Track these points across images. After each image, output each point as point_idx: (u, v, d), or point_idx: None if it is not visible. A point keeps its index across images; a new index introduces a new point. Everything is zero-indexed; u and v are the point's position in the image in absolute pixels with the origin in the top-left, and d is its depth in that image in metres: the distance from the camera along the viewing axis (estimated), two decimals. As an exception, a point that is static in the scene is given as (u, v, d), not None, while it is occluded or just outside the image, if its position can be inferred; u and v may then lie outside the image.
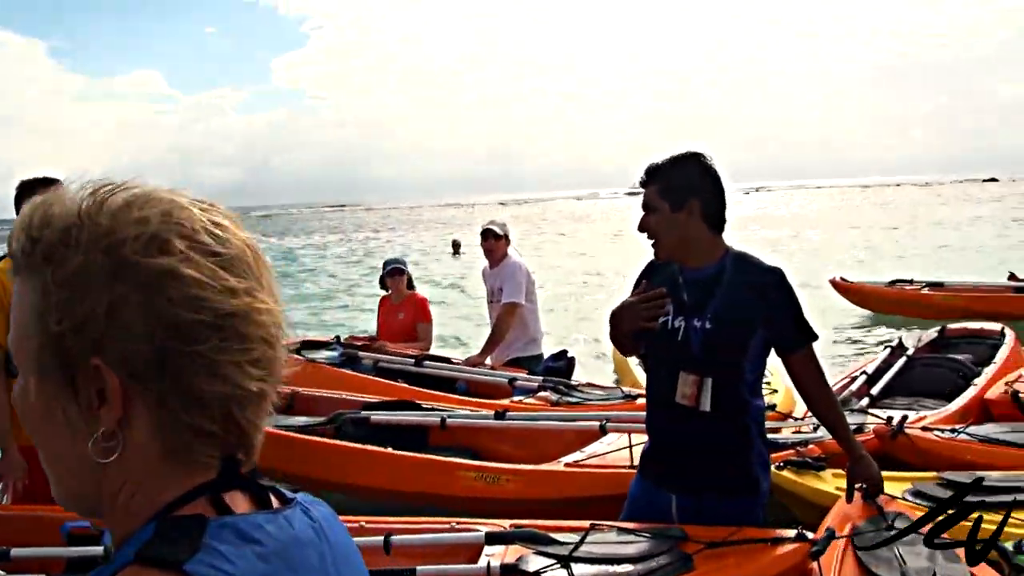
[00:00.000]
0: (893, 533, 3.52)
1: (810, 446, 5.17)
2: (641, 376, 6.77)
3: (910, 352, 7.91)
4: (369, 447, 5.78)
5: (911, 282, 14.34)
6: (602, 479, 5.02)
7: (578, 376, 8.23)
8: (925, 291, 13.88)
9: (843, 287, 14.70)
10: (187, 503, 0.95)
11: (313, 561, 1.02)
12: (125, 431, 0.95)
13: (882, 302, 14.27)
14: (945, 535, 3.17)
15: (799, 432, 5.59)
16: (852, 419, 5.70)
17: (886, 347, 8.18)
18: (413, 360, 7.90)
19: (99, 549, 3.90)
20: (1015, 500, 3.99)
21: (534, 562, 3.59)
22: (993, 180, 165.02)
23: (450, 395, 7.26)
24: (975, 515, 3.23)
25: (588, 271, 26.52)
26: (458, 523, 4.10)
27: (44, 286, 0.94)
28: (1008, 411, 6.21)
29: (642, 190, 3.57)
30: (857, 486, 3.79)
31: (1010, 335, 8.39)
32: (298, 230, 77.47)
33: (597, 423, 5.80)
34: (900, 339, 8.38)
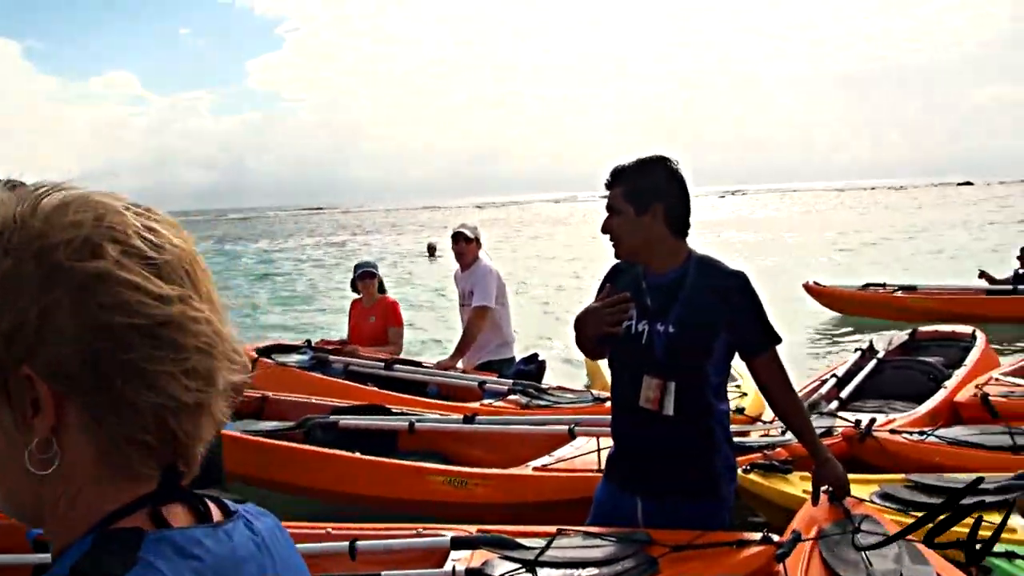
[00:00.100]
0: (893, 533, 3.53)
1: (777, 449, 5.16)
2: (612, 380, 6.78)
3: (881, 355, 7.94)
4: (337, 452, 5.75)
5: (884, 286, 14.41)
6: (570, 483, 5.01)
7: (550, 379, 8.22)
8: (898, 294, 13.96)
9: (817, 291, 14.76)
10: (126, 515, 0.93)
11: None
12: (60, 441, 0.92)
13: (855, 306, 14.33)
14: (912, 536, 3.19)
15: (767, 435, 5.59)
16: (821, 422, 5.72)
17: (857, 350, 8.20)
18: (383, 364, 7.88)
19: None
20: (982, 501, 3.99)
21: (500, 567, 3.58)
22: (968, 184, 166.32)
23: (420, 399, 7.24)
24: (975, 515, 3.25)
25: (564, 273, 26.55)
26: (424, 528, 4.07)
27: None
28: (977, 413, 6.24)
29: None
30: (823, 489, 3.78)
31: (981, 337, 8.43)
32: (274, 233, 77.21)
33: (566, 427, 5.80)
34: (871, 342, 8.40)
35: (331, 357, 8.17)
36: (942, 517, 3.33)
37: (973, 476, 4.63)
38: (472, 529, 3.98)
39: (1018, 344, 11.11)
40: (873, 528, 3.67)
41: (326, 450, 5.80)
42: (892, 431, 5.62)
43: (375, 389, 7.51)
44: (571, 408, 6.58)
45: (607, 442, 4.95)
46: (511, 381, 7.28)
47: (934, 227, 44.07)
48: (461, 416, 6.20)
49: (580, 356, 10.23)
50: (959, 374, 7.20)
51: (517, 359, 7.99)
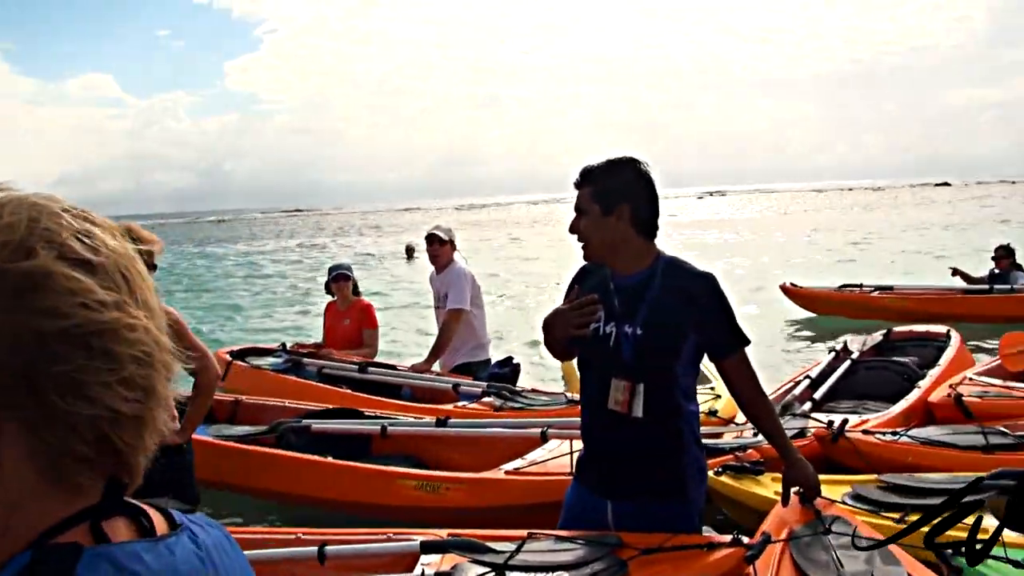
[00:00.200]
0: (891, 534, 3.52)
1: (749, 451, 5.16)
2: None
3: (855, 355, 7.95)
4: (309, 456, 5.73)
5: (860, 287, 14.45)
6: (542, 486, 4.99)
7: (527, 381, 8.21)
8: (875, 295, 14.00)
9: (793, 292, 14.79)
10: (66, 530, 0.90)
11: None
12: None
13: (832, 306, 14.36)
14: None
15: (740, 438, 5.59)
16: (793, 423, 5.72)
17: (831, 351, 8.21)
18: (357, 367, 7.86)
19: None
20: (982, 501, 4.00)
21: (470, 571, 3.56)
22: (946, 184, 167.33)
23: (394, 401, 7.22)
24: (974, 515, 3.24)
25: (546, 274, 26.53)
26: (395, 533, 4.05)
27: None
28: (951, 414, 6.25)
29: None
30: (794, 490, 3.78)
31: (956, 337, 8.46)
32: (253, 235, 76.99)
33: (538, 430, 5.79)
34: (845, 342, 8.42)
35: (305, 360, 8.16)
36: (941, 517, 3.35)
37: (945, 475, 4.66)
38: (443, 533, 3.95)
39: (993, 343, 11.16)
40: (844, 529, 3.67)
41: (298, 455, 5.79)
42: (865, 432, 5.63)
43: (349, 392, 7.49)
44: (544, 411, 6.56)
45: (579, 444, 4.94)
46: (485, 383, 7.27)
47: (912, 227, 44.30)
48: (434, 419, 6.20)
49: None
50: (933, 374, 7.22)
51: (493, 361, 7.96)
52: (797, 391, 6.91)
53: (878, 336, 8.78)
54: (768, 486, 4.68)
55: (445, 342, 7.73)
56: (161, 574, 0.92)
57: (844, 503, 4.23)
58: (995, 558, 3.26)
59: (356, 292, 8.56)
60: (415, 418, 6.44)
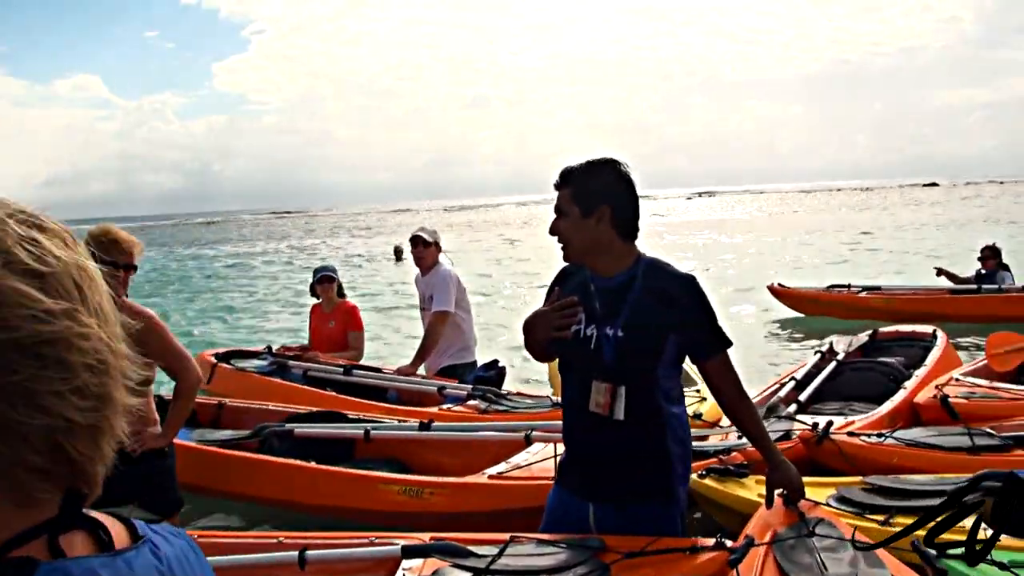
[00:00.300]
0: (876, 536, 3.51)
1: (733, 454, 5.13)
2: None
3: (840, 356, 7.95)
4: (292, 461, 5.71)
5: (848, 287, 14.47)
6: (526, 491, 4.95)
7: (514, 383, 8.18)
8: (862, 295, 14.02)
9: (781, 292, 14.80)
10: (21, 544, 0.87)
11: None
12: None
13: (820, 307, 14.38)
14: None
15: (725, 440, 5.57)
16: (778, 426, 5.71)
17: (816, 352, 8.19)
18: (342, 369, 7.84)
19: None
20: (982, 500, 3.98)
21: (451, 575, 3.53)
22: (934, 184, 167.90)
23: (378, 403, 7.20)
24: (973, 516, 3.23)
25: (534, 273, 26.52)
26: (377, 537, 4.03)
27: None
28: (937, 415, 6.24)
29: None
30: (778, 492, 3.76)
31: (942, 337, 8.45)
32: (243, 237, 76.91)
33: (522, 433, 5.77)
34: (831, 343, 8.41)
35: (290, 363, 8.13)
36: (940, 518, 3.34)
37: (931, 477, 4.65)
38: (425, 537, 3.93)
39: (981, 343, 11.18)
40: (828, 531, 3.65)
41: (280, 460, 5.77)
42: (850, 433, 5.61)
43: (334, 394, 7.47)
44: (529, 414, 6.54)
45: (563, 447, 4.93)
46: (470, 386, 7.25)
47: (901, 228, 44.43)
48: (417, 423, 6.17)
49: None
50: (919, 374, 7.21)
51: (480, 364, 7.94)
52: (782, 393, 6.88)
53: (864, 337, 8.77)
54: (752, 489, 4.66)
55: (431, 345, 7.70)
56: None
57: (828, 505, 4.21)
58: (980, 559, 3.26)
59: (341, 294, 8.54)
60: (399, 421, 6.42)
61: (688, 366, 3.69)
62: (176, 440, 4.82)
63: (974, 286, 13.16)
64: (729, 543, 3.57)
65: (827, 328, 12.83)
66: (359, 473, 5.57)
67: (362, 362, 8.53)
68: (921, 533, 3.60)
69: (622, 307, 3.40)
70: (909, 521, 3.62)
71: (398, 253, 35.01)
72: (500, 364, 7.70)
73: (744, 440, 5.11)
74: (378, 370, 8.16)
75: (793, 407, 6.48)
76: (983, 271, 13.45)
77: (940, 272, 13.82)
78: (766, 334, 14.21)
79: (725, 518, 4.68)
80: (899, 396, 6.68)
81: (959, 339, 10.10)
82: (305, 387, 7.69)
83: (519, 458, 5.50)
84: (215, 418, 6.98)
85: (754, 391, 6.77)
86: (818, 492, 4.29)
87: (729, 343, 3.50)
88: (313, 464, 5.67)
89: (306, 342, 8.83)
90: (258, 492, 5.71)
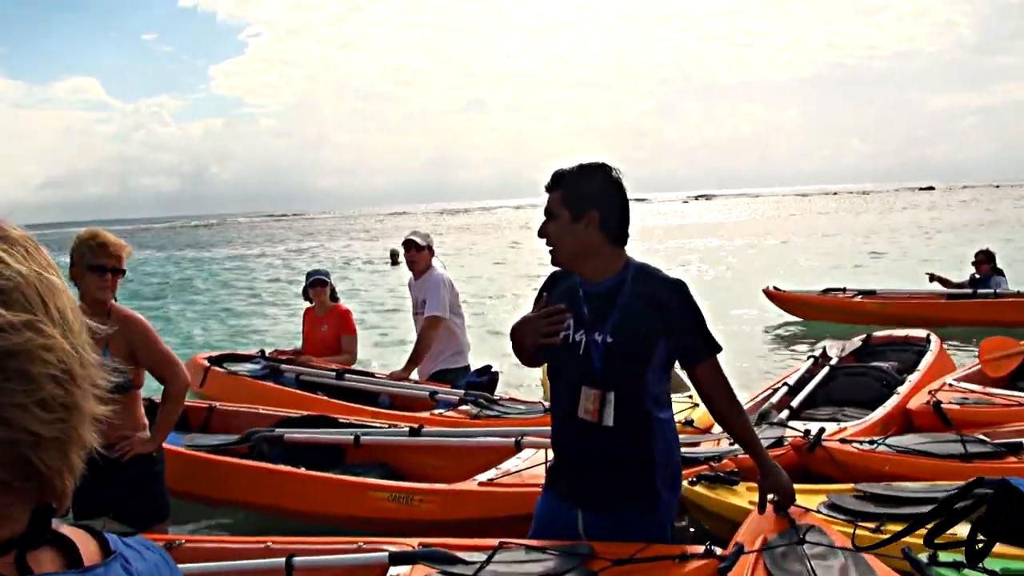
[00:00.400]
0: (891, 535, 3.51)
1: (724, 460, 5.10)
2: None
3: (834, 361, 7.92)
4: (281, 467, 5.70)
5: (844, 290, 14.46)
6: (516, 498, 4.92)
7: (506, 388, 8.16)
8: (858, 299, 14.01)
9: (776, 296, 14.78)
10: None
11: None
12: None
13: (815, 311, 14.37)
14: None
15: (717, 447, 5.54)
16: (770, 432, 5.68)
17: (809, 357, 8.17)
18: (335, 374, 7.82)
19: None
20: (983, 500, 3.97)
21: (439, 582, 3.52)
22: (930, 188, 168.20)
23: (370, 408, 7.18)
24: (973, 516, 3.22)
25: (527, 276, 26.52)
26: (365, 543, 4.01)
27: None
28: (930, 421, 6.21)
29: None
30: (769, 498, 3.74)
31: (935, 341, 8.43)
32: (240, 240, 76.93)
33: (512, 439, 5.75)
34: (824, 348, 8.39)
35: (283, 367, 8.12)
36: (940, 519, 3.33)
37: (922, 485, 4.63)
38: (414, 543, 3.91)
39: (975, 348, 11.18)
40: (818, 539, 3.63)
41: (270, 466, 5.75)
42: (842, 440, 5.58)
43: (325, 399, 7.45)
44: (520, 419, 6.52)
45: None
46: (462, 391, 7.22)
47: (897, 231, 44.47)
48: (407, 428, 6.15)
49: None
50: (912, 379, 7.19)
51: (473, 368, 7.91)
52: (775, 398, 6.84)
53: (857, 341, 8.75)
54: (743, 496, 4.64)
55: (423, 349, 7.69)
56: None
57: (819, 512, 4.20)
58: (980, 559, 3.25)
59: (334, 298, 8.53)
60: (390, 426, 6.39)
61: (680, 371, 3.67)
62: (165, 445, 4.81)
63: (969, 290, 13.14)
64: (719, 550, 3.55)
65: (822, 332, 12.83)
66: (348, 480, 5.55)
67: (355, 366, 8.52)
68: (913, 541, 3.59)
69: (611, 312, 3.38)
70: (900, 528, 3.62)
71: (394, 257, 35.03)
72: (493, 369, 7.67)
73: (735, 447, 5.09)
74: (371, 375, 8.16)
75: (785, 413, 6.45)
76: (977, 275, 13.43)
77: (933, 278, 13.81)
78: (761, 338, 14.20)
79: (715, 525, 4.66)
80: (892, 402, 6.66)
81: (953, 344, 10.07)
82: (297, 391, 7.68)
83: (509, 464, 5.47)
84: (205, 422, 6.96)
85: (747, 396, 6.75)
86: (809, 499, 4.28)
87: (719, 348, 3.48)
88: (302, 470, 5.65)
89: (297, 345, 8.82)
90: (247, 498, 5.69)
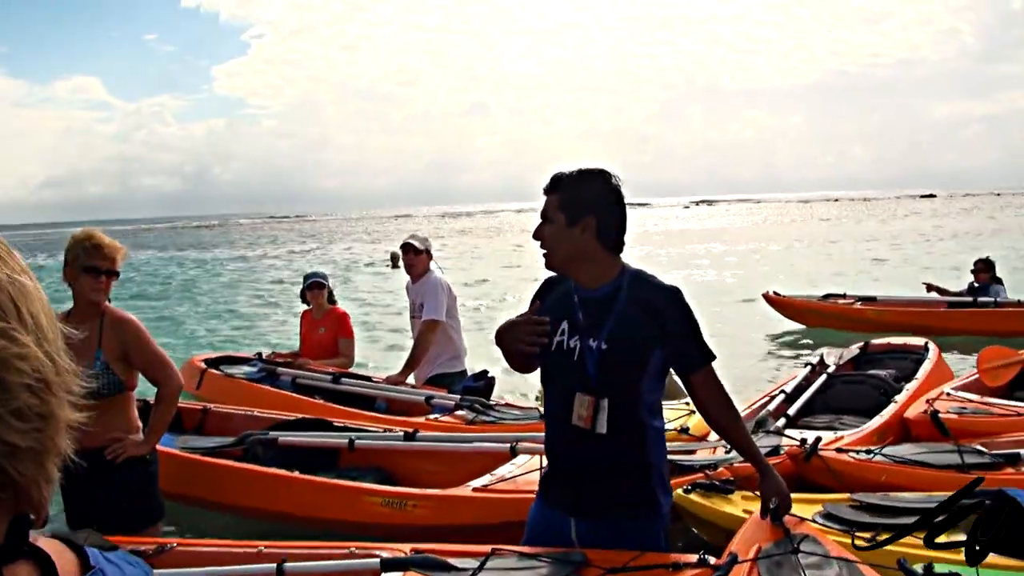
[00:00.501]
0: (891, 535, 3.50)
1: (719, 469, 5.08)
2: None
3: (831, 369, 7.89)
4: (274, 471, 5.68)
5: (844, 296, 14.43)
6: (510, 504, 4.90)
7: (504, 394, 8.14)
8: (858, 305, 13.98)
9: (776, 301, 14.73)
10: None
11: None
12: None
13: (815, 316, 14.33)
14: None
15: (713, 455, 5.52)
16: (767, 441, 5.66)
17: (806, 364, 8.14)
18: (331, 377, 7.80)
19: None
20: (983, 502, 3.95)
21: (430, 589, 3.51)
22: (931, 196, 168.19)
23: (365, 412, 7.16)
24: (972, 517, 3.20)
25: (529, 280, 26.52)
26: (357, 548, 3.99)
27: None
28: (927, 430, 6.18)
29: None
30: (772, 503, 3.70)
31: (933, 350, 8.41)
32: (241, 241, 76.93)
33: (507, 444, 5.74)
34: (821, 356, 8.35)
35: (279, 369, 8.10)
36: (940, 519, 3.31)
37: (919, 495, 4.61)
38: (406, 549, 3.89)
39: (972, 357, 11.17)
40: (813, 548, 3.61)
41: (263, 469, 5.73)
42: (838, 450, 5.55)
43: (322, 402, 7.43)
44: (516, 425, 6.49)
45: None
46: (458, 396, 7.20)
47: (897, 238, 44.51)
48: (402, 433, 6.13)
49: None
50: (910, 388, 7.17)
51: (470, 373, 7.89)
52: (772, 406, 6.79)
53: (855, 349, 8.73)
54: (738, 504, 4.62)
55: (420, 353, 7.67)
56: None
57: (815, 522, 4.17)
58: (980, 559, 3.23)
59: (332, 300, 8.52)
60: (384, 431, 6.37)
61: (676, 378, 3.65)
62: (159, 447, 4.79)
63: (969, 299, 13.10)
64: (712, 560, 3.53)
65: (821, 338, 12.81)
66: (342, 484, 5.53)
67: (353, 369, 8.51)
68: (908, 551, 3.57)
69: (607, 319, 3.36)
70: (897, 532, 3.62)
71: (394, 259, 35.04)
72: (490, 374, 7.65)
73: (731, 455, 5.07)
74: (367, 378, 8.13)
75: (782, 421, 6.41)
76: (976, 284, 13.39)
77: (930, 288, 13.79)
78: (760, 344, 14.16)
79: (710, 534, 4.63)
80: (889, 411, 6.63)
81: (951, 352, 10.05)
82: (293, 395, 7.66)
83: (504, 470, 5.45)
84: (200, 424, 6.95)
85: (744, 403, 6.72)
86: (805, 508, 4.25)
87: (713, 356, 3.46)
88: (296, 474, 5.63)
89: (295, 346, 8.80)
90: (240, 501, 5.67)
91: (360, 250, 53.11)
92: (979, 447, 5.48)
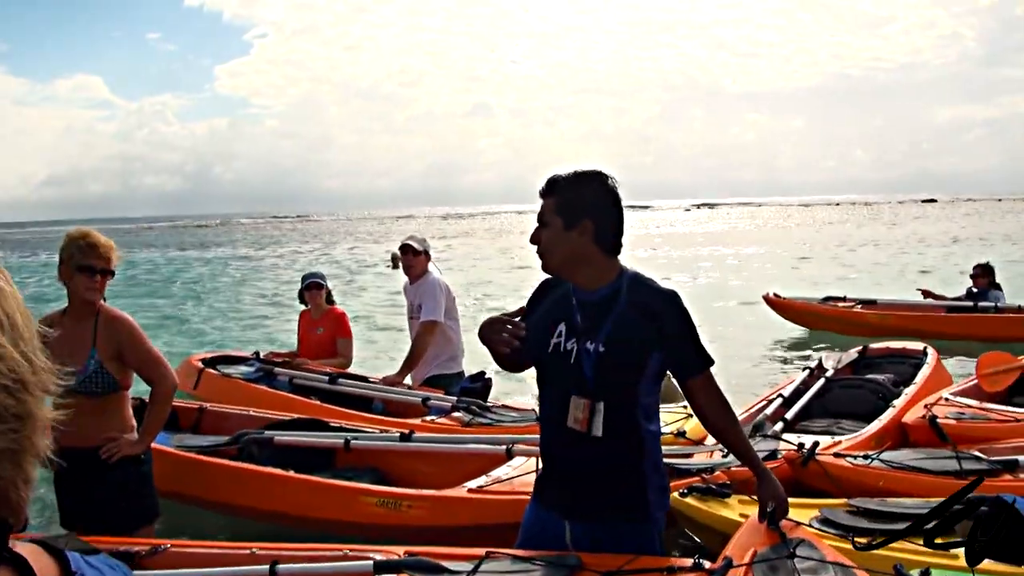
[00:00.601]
0: (891, 535, 3.48)
1: (716, 472, 5.06)
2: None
3: (829, 373, 7.87)
4: (269, 470, 5.66)
5: (844, 299, 14.42)
6: (506, 505, 4.89)
7: (501, 396, 8.12)
8: (858, 309, 13.97)
9: (776, 303, 14.71)
10: None
11: None
12: None
13: (814, 319, 14.31)
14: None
15: (710, 459, 5.50)
16: (764, 445, 5.64)
17: (804, 368, 8.12)
18: (327, 378, 7.78)
19: None
20: (983, 501, 3.93)
21: (424, 591, 3.49)
22: (932, 201, 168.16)
23: (362, 413, 7.15)
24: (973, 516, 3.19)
25: (525, 281, 26.51)
26: (351, 550, 3.97)
27: None
28: (925, 436, 6.16)
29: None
30: (769, 507, 3.69)
31: (932, 354, 8.39)
32: (243, 240, 76.93)
33: (503, 446, 5.73)
34: (820, 360, 8.33)
35: (277, 369, 8.08)
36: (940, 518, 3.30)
37: (916, 501, 4.59)
38: (400, 551, 3.88)
39: (971, 361, 11.15)
40: (809, 553, 3.58)
41: (258, 468, 5.72)
42: (836, 455, 5.54)
43: (318, 403, 7.41)
44: (512, 427, 6.48)
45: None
46: (455, 398, 7.19)
47: (898, 242, 44.51)
48: (398, 434, 6.13)
49: (533, 372, 10.17)
50: (908, 393, 7.14)
51: (467, 374, 7.88)
52: (769, 410, 6.76)
53: (853, 353, 8.71)
54: (734, 508, 4.61)
55: (418, 354, 7.66)
56: None
57: (811, 527, 4.16)
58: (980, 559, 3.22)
59: (330, 300, 8.52)
60: (380, 431, 6.36)
61: (674, 380, 3.63)
62: (154, 445, 4.78)
63: (970, 304, 13.07)
64: (708, 564, 3.51)
65: (821, 342, 12.80)
66: (337, 484, 5.52)
67: (351, 369, 8.49)
68: (904, 556, 3.56)
69: (605, 321, 3.34)
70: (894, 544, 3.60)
71: (395, 260, 35.04)
72: (487, 376, 7.64)
73: (728, 459, 5.05)
74: (365, 379, 8.11)
75: (780, 425, 6.40)
76: (974, 289, 13.36)
77: (926, 294, 13.78)
78: (760, 347, 14.13)
79: (706, 537, 4.62)
80: (887, 415, 6.61)
81: (949, 357, 10.03)
82: (290, 395, 7.64)
83: (500, 472, 5.44)
84: (196, 422, 6.95)
85: (741, 407, 6.70)
86: (802, 513, 4.23)
87: (711, 361, 3.45)
88: (291, 473, 5.62)
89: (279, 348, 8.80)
90: (235, 500, 5.65)
91: (366, 251, 53.11)
92: (977, 453, 5.46)
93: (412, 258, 7.72)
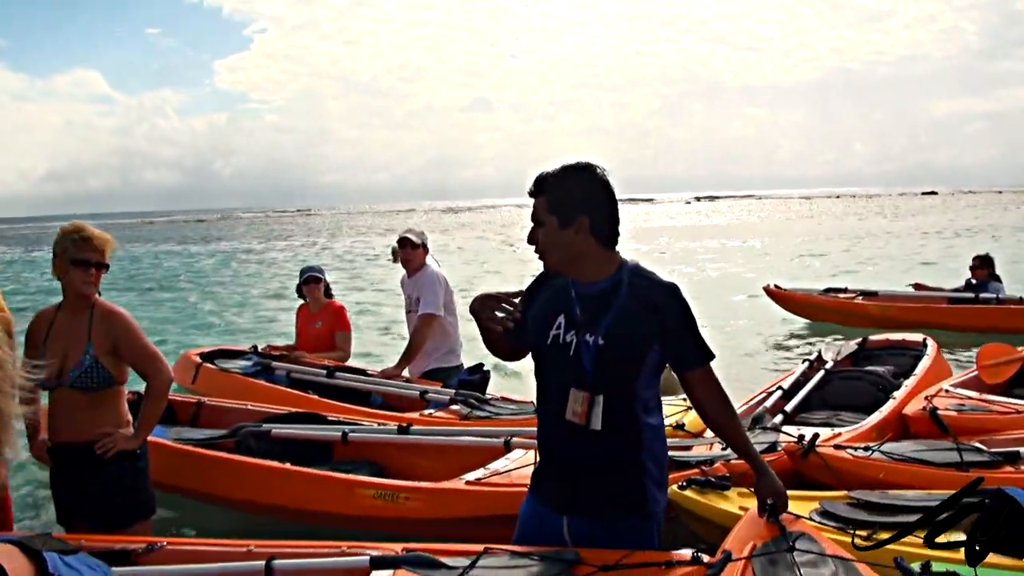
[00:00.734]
0: (892, 535, 3.53)
1: (715, 465, 5.04)
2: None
3: (829, 365, 7.86)
4: (266, 462, 5.65)
5: (845, 290, 14.42)
6: (503, 498, 4.87)
7: (499, 389, 8.11)
8: (859, 300, 13.95)
9: (777, 294, 14.70)
10: None
11: None
12: None
13: (815, 310, 14.30)
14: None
15: (709, 451, 5.48)
16: (764, 437, 5.62)
17: (804, 360, 8.09)
18: (325, 371, 7.77)
19: None
20: (983, 501, 3.91)
21: (421, 588, 3.47)
22: (932, 193, 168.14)
23: (359, 407, 7.13)
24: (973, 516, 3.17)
25: (524, 275, 26.49)
26: (348, 546, 3.94)
27: None
28: (926, 427, 6.14)
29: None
30: (768, 501, 3.66)
31: (932, 346, 8.37)
32: (243, 235, 76.92)
33: (501, 439, 5.72)
34: (819, 352, 8.33)
35: (274, 363, 8.07)
36: (940, 518, 3.28)
37: (918, 493, 4.57)
38: (397, 547, 3.85)
39: (971, 353, 11.11)
40: (809, 546, 3.56)
41: (255, 460, 5.71)
42: (836, 446, 5.51)
43: (316, 397, 7.41)
44: (511, 419, 6.49)
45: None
46: (453, 391, 7.18)
47: (898, 235, 44.53)
48: (396, 426, 6.13)
49: (528, 365, 10.15)
50: (908, 384, 7.13)
51: (465, 367, 7.86)
52: (769, 403, 6.76)
53: (853, 345, 8.70)
54: (733, 501, 4.58)
55: (416, 347, 7.65)
56: None
57: (811, 519, 4.13)
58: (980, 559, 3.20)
59: (328, 294, 8.53)
60: (378, 424, 6.35)
61: (673, 373, 3.60)
62: (152, 438, 4.76)
63: (971, 295, 13.05)
64: (706, 558, 3.48)
65: (821, 333, 12.78)
66: (334, 476, 5.51)
67: (350, 363, 8.49)
68: (905, 550, 3.54)
69: (605, 314, 3.31)
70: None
71: (395, 254, 35.02)
72: (485, 368, 7.62)
73: (726, 452, 5.03)
74: (363, 372, 8.11)
75: (779, 417, 6.38)
76: (973, 280, 13.34)
77: (918, 287, 13.78)
78: (761, 338, 14.13)
79: (705, 530, 4.59)
80: (887, 407, 6.60)
81: (950, 348, 10.01)
82: (288, 389, 7.64)
83: (498, 464, 5.43)
84: (194, 416, 6.95)
85: (741, 399, 6.68)
86: (802, 506, 4.20)
87: (711, 355, 3.41)
88: (288, 465, 5.61)
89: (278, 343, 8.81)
90: (232, 493, 5.64)
91: (361, 244, 53.12)
92: (978, 445, 5.44)
93: (410, 251, 7.71)
